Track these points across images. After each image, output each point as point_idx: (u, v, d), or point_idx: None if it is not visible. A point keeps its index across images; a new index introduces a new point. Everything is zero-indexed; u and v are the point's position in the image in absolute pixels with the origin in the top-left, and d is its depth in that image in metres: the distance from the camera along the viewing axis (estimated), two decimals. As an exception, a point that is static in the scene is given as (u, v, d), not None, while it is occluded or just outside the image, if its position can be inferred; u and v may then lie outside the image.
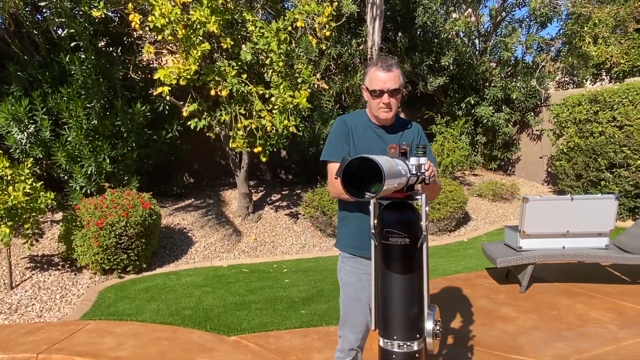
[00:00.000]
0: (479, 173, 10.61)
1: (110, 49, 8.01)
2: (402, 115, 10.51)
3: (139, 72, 7.48)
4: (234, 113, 6.48)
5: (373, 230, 1.80)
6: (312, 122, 8.21)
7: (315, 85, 7.13)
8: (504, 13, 10.05)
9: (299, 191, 8.77)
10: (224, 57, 6.75)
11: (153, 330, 4.16)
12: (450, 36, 9.45)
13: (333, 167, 2.29)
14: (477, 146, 10.26)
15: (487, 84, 10.31)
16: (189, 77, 5.99)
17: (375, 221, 1.80)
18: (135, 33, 7.57)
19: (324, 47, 6.95)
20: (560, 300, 4.29)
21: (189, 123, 6.78)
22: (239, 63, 6.43)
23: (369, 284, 2.26)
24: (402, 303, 1.75)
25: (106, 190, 6.13)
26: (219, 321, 4.34)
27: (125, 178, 6.94)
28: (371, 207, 1.80)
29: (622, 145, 7.51)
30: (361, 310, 2.28)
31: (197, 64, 6.03)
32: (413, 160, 1.66)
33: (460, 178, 9.95)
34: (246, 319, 4.36)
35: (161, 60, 7.60)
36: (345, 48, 8.90)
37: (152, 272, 6.06)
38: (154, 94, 6.53)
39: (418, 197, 1.72)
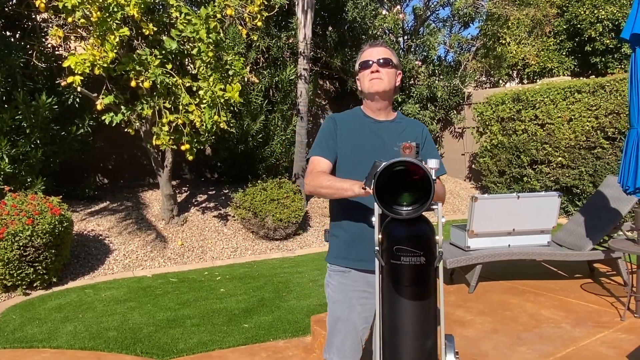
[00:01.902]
0: (406, 170, 10.69)
1: (7, 32, 7.00)
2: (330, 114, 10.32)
3: (44, 60, 6.61)
4: (157, 107, 5.88)
5: (377, 248, 1.49)
6: (240, 118, 7.74)
7: (246, 79, 6.69)
8: (428, 12, 10.17)
9: (227, 191, 8.27)
10: (145, 45, 6.10)
11: (72, 359, 3.57)
12: (378, 33, 9.38)
13: (316, 161, 2.02)
14: (404, 143, 10.30)
15: (413, 82, 10.40)
16: (105, 65, 5.32)
17: (380, 236, 1.48)
18: (39, 16, 6.67)
19: (255, 38, 6.54)
20: (508, 299, 4.25)
21: (103, 117, 6.08)
22: (163, 52, 5.83)
23: (360, 303, 1.96)
24: (415, 335, 1.45)
25: (6, 195, 5.30)
26: (151, 342, 3.82)
27: (29, 180, 6.09)
28: (375, 219, 1.48)
29: (543, 143, 7.82)
30: (348, 332, 1.96)
31: (115, 51, 5.37)
32: (432, 163, 1.36)
33: (389, 175, 9.96)
34: (182, 338, 3.88)
35: (69, 47, 6.77)
36: (274, 41, 8.51)
37: (64, 287, 5.34)
38: (63, 84, 5.76)
39: (435, 206, 1.42)
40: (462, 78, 10.08)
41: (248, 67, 6.30)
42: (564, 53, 13.25)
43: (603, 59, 12.71)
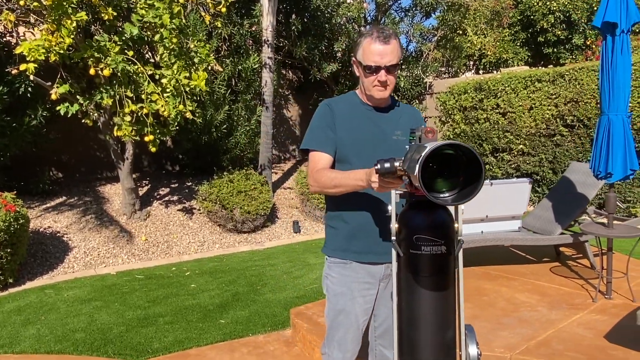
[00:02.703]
0: (369, 160, 10.72)
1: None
2: (295, 106, 10.10)
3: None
4: (118, 96, 5.59)
5: (394, 237, 1.42)
6: (204, 108, 7.51)
7: (210, 67, 6.47)
8: (390, 1, 10.17)
9: (191, 184, 8.03)
10: (104, 30, 5.79)
11: (38, 365, 3.35)
12: (342, 22, 9.30)
13: (317, 157, 1.90)
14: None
15: (376, 72, 10.39)
16: (62, 52, 5.01)
17: (397, 225, 1.42)
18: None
19: (219, 25, 6.32)
20: (483, 284, 4.30)
21: (58, 108, 5.74)
22: (123, 38, 5.54)
23: (362, 294, 1.89)
24: (435, 327, 1.40)
25: (-46, 191, 4.93)
26: (123, 343, 3.64)
27: (-22, 175, 5.69)
28: (392, 207, 1.41)
29: (505, 131, 8.00)
30: (350, 326, 1.90)
31: (72, 37, 5.06)
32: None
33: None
34: (156, 337, 3.72)
35: (18, 33, 6.35)
36: (237, 28, 8.29)
37: (21, 288, 5.04)
38: (14, 72, 5.39)
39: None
40: (424, 68, 10.16)
41: (212, 55, 6.08)
42: (519, 44, 13.60)
43: (555, 50, 13.13)
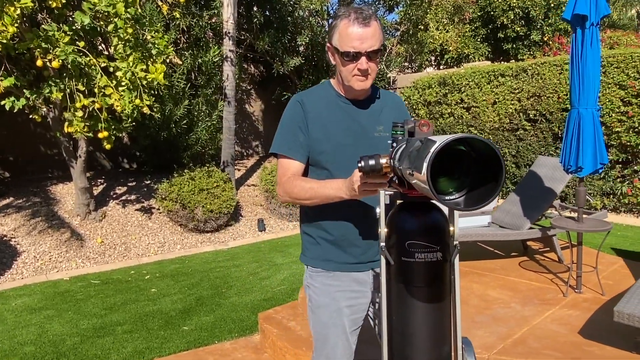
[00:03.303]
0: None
1: None
2: (258, 101, 9.80)
3: None
4: (68, 90, 5.24)
5: (384, 243, 1.27)
6: (162, 103, 7.18)
7: (169, 60, 6.17)
8: (353, -5, 10.05)
9: (149, 182, 7.68)
10: (51, 19, 5.41)
11: (-19, 385, 3.05)
12: (305, 15, 9.11)
13: (286, 164, 1.69)
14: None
15: (340, 66, 10.26)
16: (5, 41, 4.63)
17: (386, 229, 1.26)
18: None
19: (178, 15, 6.03)
20: (462, 283, 4.24)
21: (2, 102, 5.33)
22: (73, 28, 5.19)
23: (348, 304, 1.72)
24: (430, 342, 1.25)
25: None
26: (77, 356, 3.37)
27: None
28: (380, 210, 1.26)
29: (469, 126, 8.02)
30: (338, 338, 1.73)
31: (16, 25, 4.68)
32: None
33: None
34: (114, 348, 3.46)
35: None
36: (196, 20, 7.97)
37: (-37, 298, 4.64)
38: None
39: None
40: (388, 63, 10.10)
41: (171, 47, 5.79)
42: (479, 40, 13.76)
43: (514, 46, 13.35)
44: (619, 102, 6.29)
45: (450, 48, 13.01)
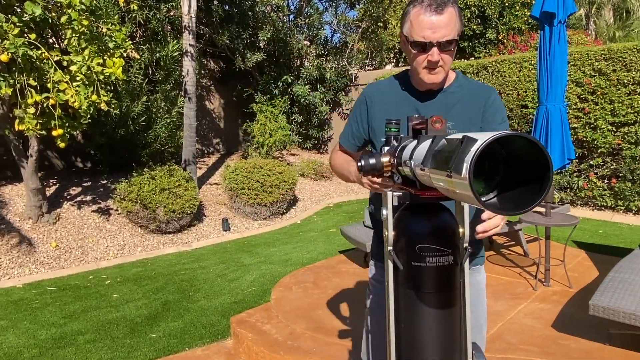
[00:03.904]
0: (296, 152, 10.52)
1: None
2: (218, 97, 9.58)
3: None
4: (19, 85, 4.90)
5: (391, 247, 1.19)
6: (119, 99, 6.88)
7: (127, 53, 5.90)
8: (314, -10, 9.97)
9: (106, 182, 7.35)
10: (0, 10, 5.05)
11: None
12: (266, 10, 8.96)
13: (338, 146, 1.86)
14: (293, 125, 10.09)
15: (301, 63, 10.18)
16: (-54, 32, 4.28)
17: (393, 232, 1.19)
18: None
19: (135, 8, 5.76)
20: (427, 278, 4.24)
21: (-56, 98, 4.95)
22: (23, 19, 4.86)
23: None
24: (441, 349, 1.19)
25: None
26: (36, 370, 3.15)
27: None
28: (387, 212, 1.19)
29: (432, 122, 8.09)
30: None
31: (-41, 14, 4.34)
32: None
33: (280, 158, 9.68)
34: (77, 360, 3.26)
35: None
36: (153, 13, 7.68)
37: None
38: None
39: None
40: (349, 59, 10.09)
41: (129, 41, 5.53)
42: (437, 37, 13.95)
43: (470, 44, 13.62)
44: (576, 99, 6.49)
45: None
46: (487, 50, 13.52)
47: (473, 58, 11.05)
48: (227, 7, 9.11)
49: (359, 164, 1.31)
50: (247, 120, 9.44)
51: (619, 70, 6.13)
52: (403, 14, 1.55)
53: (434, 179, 0.90)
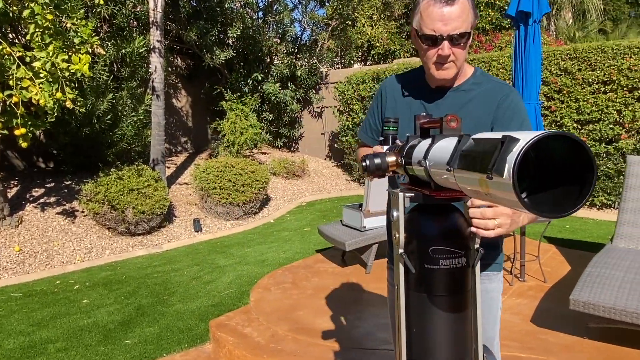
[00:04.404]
0: (266, 151, 10.41)
1: None
2: (186, 95, 9.38)
3: None
4: (-22, 82, 4.65)
5: (402, 250, 1.16)
6: (84, 97, 6.63)
7: (92, 49, 5.68)
8: (283, -12, 9.87)
9: (70, 182, 7.09)
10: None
11: None
12: (235, 7, 8.82)
13: (362, 150, 1.80)
14: (264, 123, 9.98)
15: (272, 61, 10.09)
16: None
17: (405, 234, 1.16)
18: None
19: (101, 2, 5.54)
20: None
21: None
22: (-19, 12, 4.62)
23: None
24: (453, 353, 1.17)
25: None
26: (4, 382, 2.99)
27: None
28: (399, 214, 1.15)
29: (403, 120, 8.15)
30: None
31: None
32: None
33: (251, 157, 9.56)
34: (48, 370, 3.11)
35: None
36: (119, 8, 7.44)
37: None
38: None
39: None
40: (320, 57, 10.06)
41: (95, 36, 5.31)
42: (404, 36, 14.09)
43: (437, 43, 13.79)
44: (543, 97, 6.65)
45: (378, 44, 13.20)
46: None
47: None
48: (194, 3, 8.92)
49: (364, 164, 1.28)
50: (217, 119, 9.28)
51: (584, 69, 6.31)
52: (413, 6, 1.48)
53: (462, 179, 0.87)
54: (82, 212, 6.35)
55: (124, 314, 3.95)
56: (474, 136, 0.88)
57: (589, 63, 6.28)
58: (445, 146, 1.00)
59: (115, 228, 6.15)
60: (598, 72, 6.21)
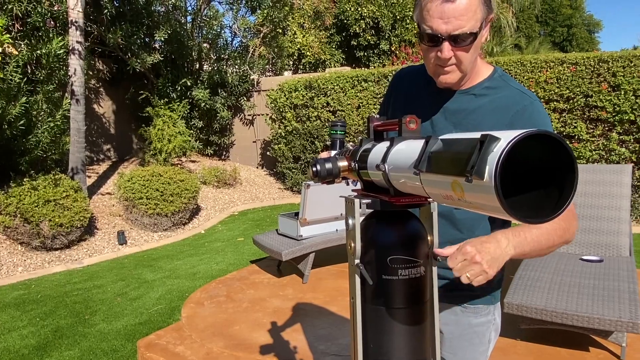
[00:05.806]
0: (196, 159, 10.08)
1: None
2: (108, 100, 8.92)
3: None
4: None
5: (358, 260, 1.09)
6: (-8, 100, 6.07)
7: (3, 49, 5.21)
8: (213, -8, 9.66)
9: (-24, 194, 6.43)
10: None
11: None
12: (161, 10, 8.49)
13: None
14: (193, 131, 9.66)
15: (201, 66, 9.81)
16: None
17: (361, 244, 1.09)
18: None
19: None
20: (343, 284, 4.21)
21: None
22: None
23: None
24: (412, 368, 1.10)
25: None
26: None
27: None
28: (355, 221, 1.08)
29: (335, 129, 8.19)
30: None
31: None
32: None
33: (180, 165, 9.21)
34: (-53, 406, 2.74)
35: None
36: (33, 6, 6.91)
37: None
38: None
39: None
40: (251, 64, 9.91)
41: (7, 35, 4.87)
42: (334, 46, 14.26)
43: (365, 54, 14.09)
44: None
45: (308, 53, 13.26)
46: (381, 61, 14.08)
47: (373, 67, 11.41)
48: (117, 4, 8.48)
49: (314, 169, 1.20)
50: (143, 125, 8.85)
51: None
52: (416, 6, 1.25)
53: (431, 183, 0.81)
54: (-10, 226, 5.77)
55: (40, 337, 3.60)
56: (442, 137, 0.82)
57: (510, 75, 6.61)
58: (406, 149, 0.94)
59: (29, 243, 5.65)
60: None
